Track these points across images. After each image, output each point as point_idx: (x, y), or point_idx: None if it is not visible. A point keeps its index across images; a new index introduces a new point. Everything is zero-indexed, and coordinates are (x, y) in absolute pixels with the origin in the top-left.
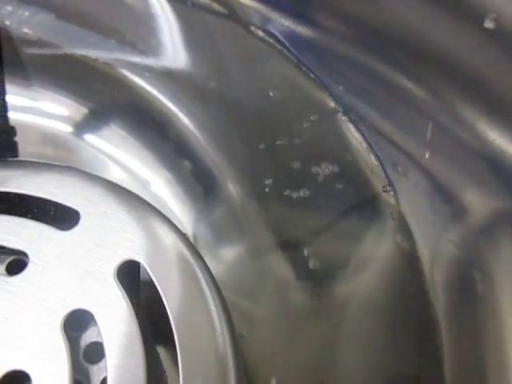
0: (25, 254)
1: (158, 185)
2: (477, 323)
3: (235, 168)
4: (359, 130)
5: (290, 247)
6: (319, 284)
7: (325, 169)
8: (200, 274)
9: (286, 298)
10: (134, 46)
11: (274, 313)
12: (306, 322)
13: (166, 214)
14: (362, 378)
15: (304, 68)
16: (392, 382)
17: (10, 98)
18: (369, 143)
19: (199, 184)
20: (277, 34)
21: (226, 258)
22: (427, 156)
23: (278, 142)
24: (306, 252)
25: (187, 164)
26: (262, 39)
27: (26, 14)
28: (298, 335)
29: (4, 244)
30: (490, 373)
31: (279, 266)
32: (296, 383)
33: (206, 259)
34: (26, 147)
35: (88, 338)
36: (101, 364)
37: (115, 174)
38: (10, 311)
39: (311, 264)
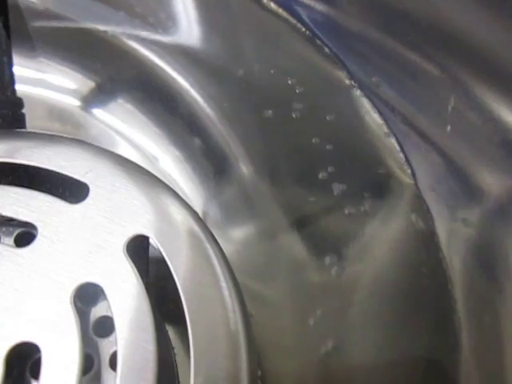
0: (33, 227)
1: (167, 162)
2: (496, 304)
3: (247, 145)
4: (375, 107)
5: (301, 227)
6: (331, 264)
7: (339, 146)
8: (211, 251)
9: (297, 278)
10: (143, 19)
11: (284, 293)
12: (317, 301)
13: None
14: (373, 359)
15: (318, 42)
16: (404, 362)
17: (16, 70)
18: (385, 120)
19: (209, 162)
20: (290, 7)
21: (236, 237)
22: (447, 130)
23: (291, 120)
24: (317, 231)
25: (197, 141)
26: (275, 13)
27: None
28: (308, 315)
29: (12, 216)
30: (511, 354)
31: (290, 246)
32: (305, 363)
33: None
34: (32, 120)
35: (98, 311)
36: (110, 338)
37: (122, 150)
38: (20, 283)
39: (323, 244)
